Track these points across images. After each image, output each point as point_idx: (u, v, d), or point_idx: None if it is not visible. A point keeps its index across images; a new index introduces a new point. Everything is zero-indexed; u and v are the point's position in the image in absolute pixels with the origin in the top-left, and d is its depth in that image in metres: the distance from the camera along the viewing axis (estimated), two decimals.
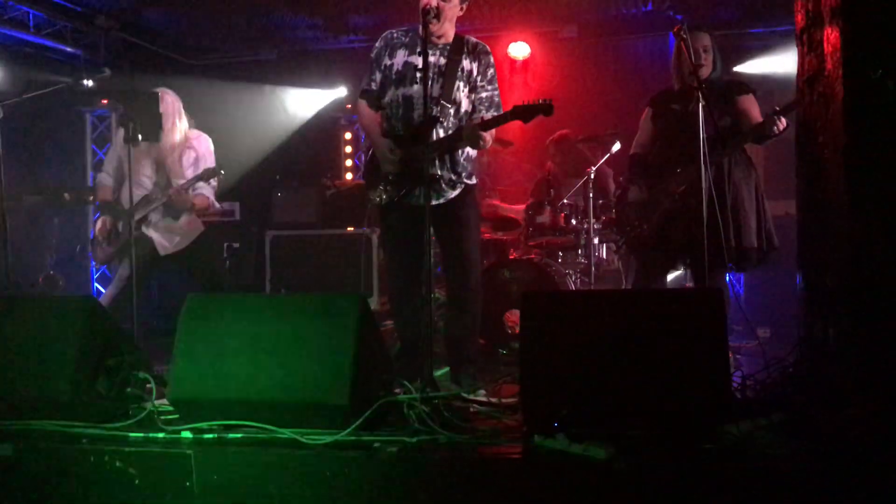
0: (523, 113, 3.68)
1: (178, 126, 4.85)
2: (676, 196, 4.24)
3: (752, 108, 4.33)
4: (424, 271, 3.40)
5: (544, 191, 6.08)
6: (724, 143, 3.98)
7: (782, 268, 6.23)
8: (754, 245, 4.18)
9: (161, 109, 4.64)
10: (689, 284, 5.18)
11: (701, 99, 3.81)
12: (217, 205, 5.09)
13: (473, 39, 4.00)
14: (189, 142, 4.89)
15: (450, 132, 3.85)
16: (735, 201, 4.15)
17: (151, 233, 4.78)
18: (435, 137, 3.79)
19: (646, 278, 4.54)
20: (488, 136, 3.83)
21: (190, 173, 4.83)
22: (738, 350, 4.77)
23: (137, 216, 4.70)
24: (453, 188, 3.93)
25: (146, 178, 4.83)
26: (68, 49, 7.00)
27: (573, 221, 5.95)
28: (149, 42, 7.78)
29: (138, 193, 4.71)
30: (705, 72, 4.23)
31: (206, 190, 4.91)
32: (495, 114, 3.88)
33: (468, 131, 3.77)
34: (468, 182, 3.98)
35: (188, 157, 4.89)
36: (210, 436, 2.86)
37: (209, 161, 4.91)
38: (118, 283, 4.81)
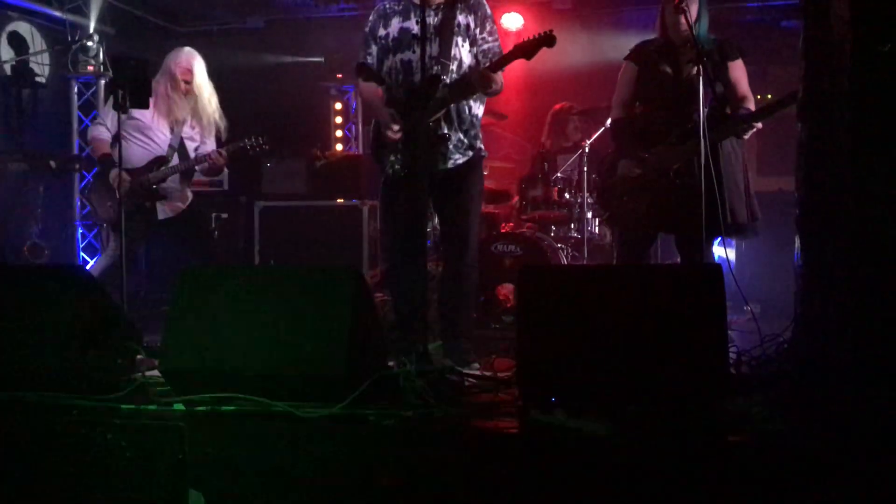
0: (526, 48, 3.59)
1: (209, 85, 4.87)
2: (671, 174, 4.10)
3: (742, 76, 4.18)
4: (421, 240, 3.37)
5: (538, 165, 6.05)
6: (727, 122, 3.87)
7: (771, 243, 6.26)
8: (744, 220, 4.14)
9: (190, 68, 4.75)
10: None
11: (702, 71, 3.73)
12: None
13: None
14: (216, 113, 4.93)
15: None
16: (725, 175, 4.02)
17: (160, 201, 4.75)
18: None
19: (630, 252, 4.42)
20: (497, 79, 3.72)
21: (210, 134, 4.88)
22: (730, 325, 4.76)
23: (154, 178, 4.67)
24: (462, 153, 3.88)
25: (162, 138, 4.78)
26: (54, 13, 6.85)
27: (566, 196, 5.93)
28: (135, 7, 7.64)
29: (148, 153, 4.71)
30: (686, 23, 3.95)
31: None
32: None
33: (475, 75, 3.69)
34: (478, 147, 3.92)
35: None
36: (203, 408, 2.82)
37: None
38: (112, 254, 4.73)
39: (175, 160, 4.77)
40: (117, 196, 4.51)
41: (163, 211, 4.80)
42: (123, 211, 4.23)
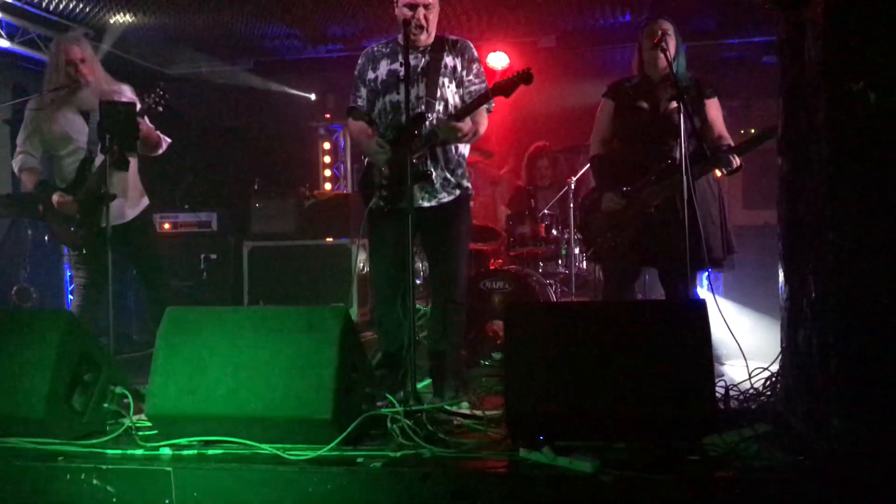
0: (503, 87, 3.61)
1: (101, 70, 4.58)
2: (652, 210, 4.12)
3: (718, 115, 4.23)
4: (406, 279, 3.37)
5: (525, 201, 6.09)
6: (707, 156, 3.90)
7: (758, 276, 6.29)
8: (719, 254, 4.16)
9: (79, 57, 4.41)
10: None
11: (682, 108, 3.77)
12: (168, 139, 4.65)
13: (454, 37, 3.99)
14: (113, 85, 4.60)
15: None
16: (701, 210, 3.99)
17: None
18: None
19: (615, 287, 4.42)
20: (467, 124, 3.72)
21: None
22: (720, 359, 4.77)
23: (92, 183, 4.30)
24: (449, 191, 3.91)
25: (81, 136, 4.42)
26: (43, 58, 6.89)
27: (554, 232, 5.96)
28: (125, 51, 7.70)
29: (76, 161, 4.40)
30: (664, 59, 4.01)
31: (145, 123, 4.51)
32: (485, 106, 3.80)
33: (442, 124, 3.73)
34: (464, 185, 3.95)
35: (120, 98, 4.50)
36: (190, 452, 2.82)
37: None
38: (79, 290, 4.51)
39: (99, 155, 4.32)
40: (73, 216, 4.36)
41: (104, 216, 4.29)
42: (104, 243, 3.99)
